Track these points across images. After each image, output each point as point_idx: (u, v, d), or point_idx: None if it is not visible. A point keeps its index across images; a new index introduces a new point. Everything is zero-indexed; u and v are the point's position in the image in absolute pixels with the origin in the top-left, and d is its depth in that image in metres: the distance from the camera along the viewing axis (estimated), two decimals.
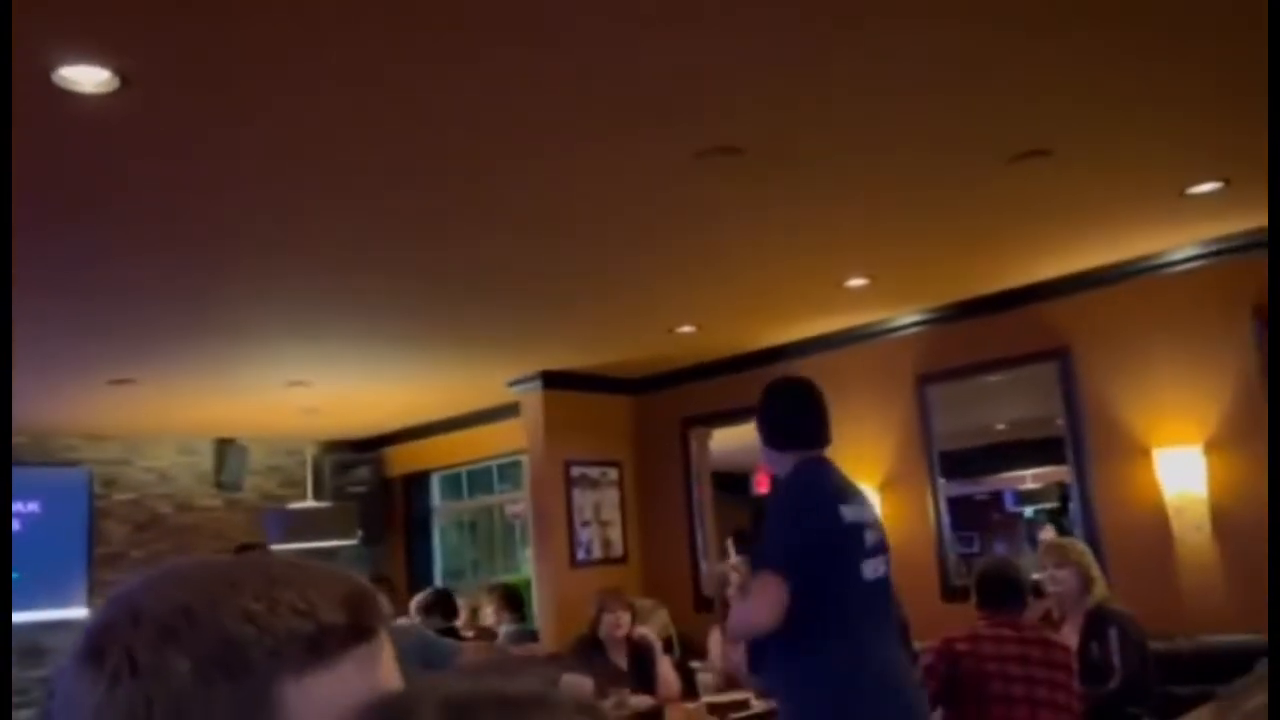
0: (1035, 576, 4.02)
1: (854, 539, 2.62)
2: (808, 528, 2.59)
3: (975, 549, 7.17)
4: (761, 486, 11.51)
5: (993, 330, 5.46)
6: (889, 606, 2.74)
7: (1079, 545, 4.16)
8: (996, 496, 6.78)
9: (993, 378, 5.61)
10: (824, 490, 2.68)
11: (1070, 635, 3.74)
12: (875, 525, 2.74)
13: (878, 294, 5.27)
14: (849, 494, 2.72)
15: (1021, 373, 5.46)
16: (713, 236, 4.15)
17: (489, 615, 6.36)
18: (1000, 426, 6.14)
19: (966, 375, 5.63)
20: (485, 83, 2.70)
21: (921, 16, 2.55)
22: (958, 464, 5.87)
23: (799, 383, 2.92)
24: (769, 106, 2.99)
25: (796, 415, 2.80)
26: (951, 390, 5.73)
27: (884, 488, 5.86)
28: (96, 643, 0.62)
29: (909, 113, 3.11)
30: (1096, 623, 3.82)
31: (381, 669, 0.65)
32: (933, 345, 5.75)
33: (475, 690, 0.56)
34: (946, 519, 5.72)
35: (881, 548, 2.72)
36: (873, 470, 5.92)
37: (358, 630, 0.64)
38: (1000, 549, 6.47)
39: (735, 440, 7.40)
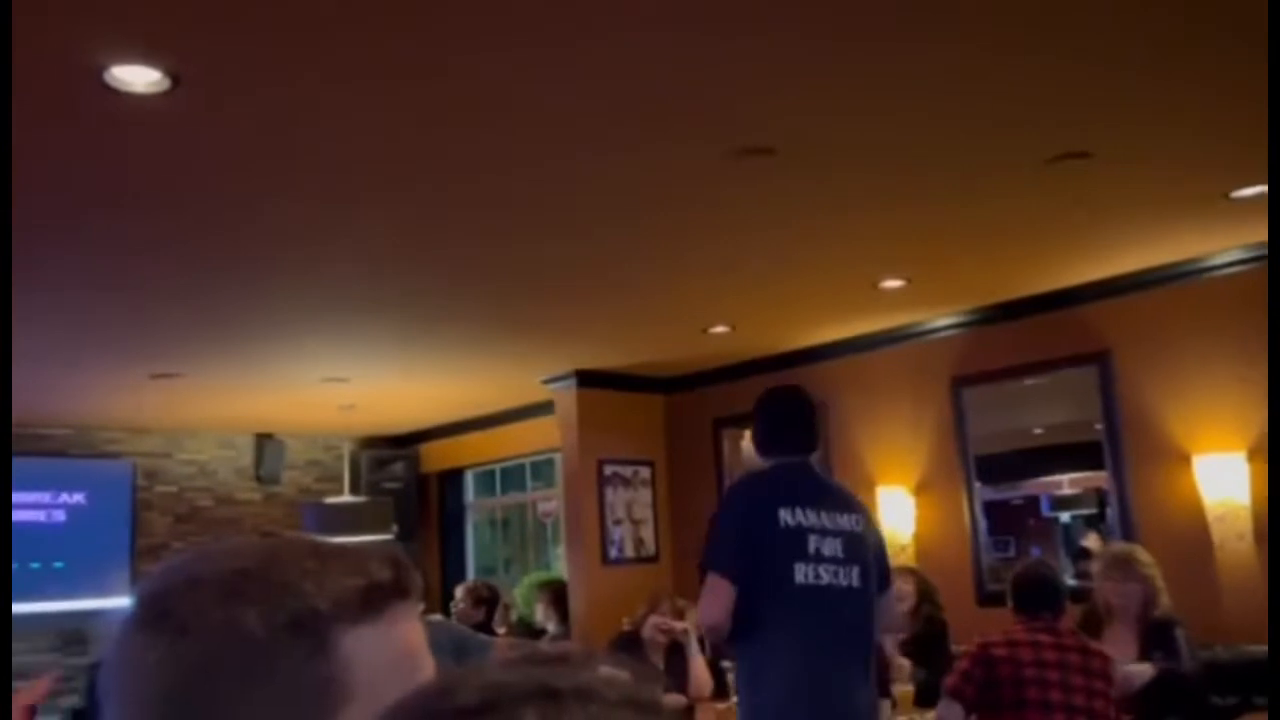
0: (1071, 581, 3.96)
1: (791, 542, 2.67)
2: (740, 530, 2.69)
3: (1011, 554, 7.11)
4: None
5: (1030, 333, 5.41)
6: (847, 616, 2.74)
7: (1144, 555, 3.98)
8: (1033, 501, 6.70)
9: (1030, 381, 5.56)
10: (764, 493, 2.76)
11: (1111, 645, 3.68)
12: (838, 533, 2.75)
13: (913, 296, 5.24)
14: (804, 499, 2.74)
15: (1059, 376, 5.40)
16: (747, 237, 4.16)
17: (539, 613, 6.40)
18: (1037, 431, 6.08)
19: (1003, 378, 5.58)
20: (521, 82, 2.73)
21: (957, 18, 2.54)
22: (993, 468, 5.82)
23: (784, 391, 3.03)
24: (803, 107, 2.99)
25: (777, 422, 2.93)
26: (987, 393, 5.68)
27: (918, 491, 5.83)
28: (156, 606, 0.66)
29: (946, 113, 3.10)
30: (1162, 631, 3.72)
31: (420, 630, 0.72)
32: (969, 348, 5.71)
33: (518, 677, 0.58)
34: (982, 524, 5.68)
35: (846, 558, 2.73)
36: (907, 474, 5.89)
37: (401, 588, 0.70)
38: (1036, 554, 6.41)
39: None
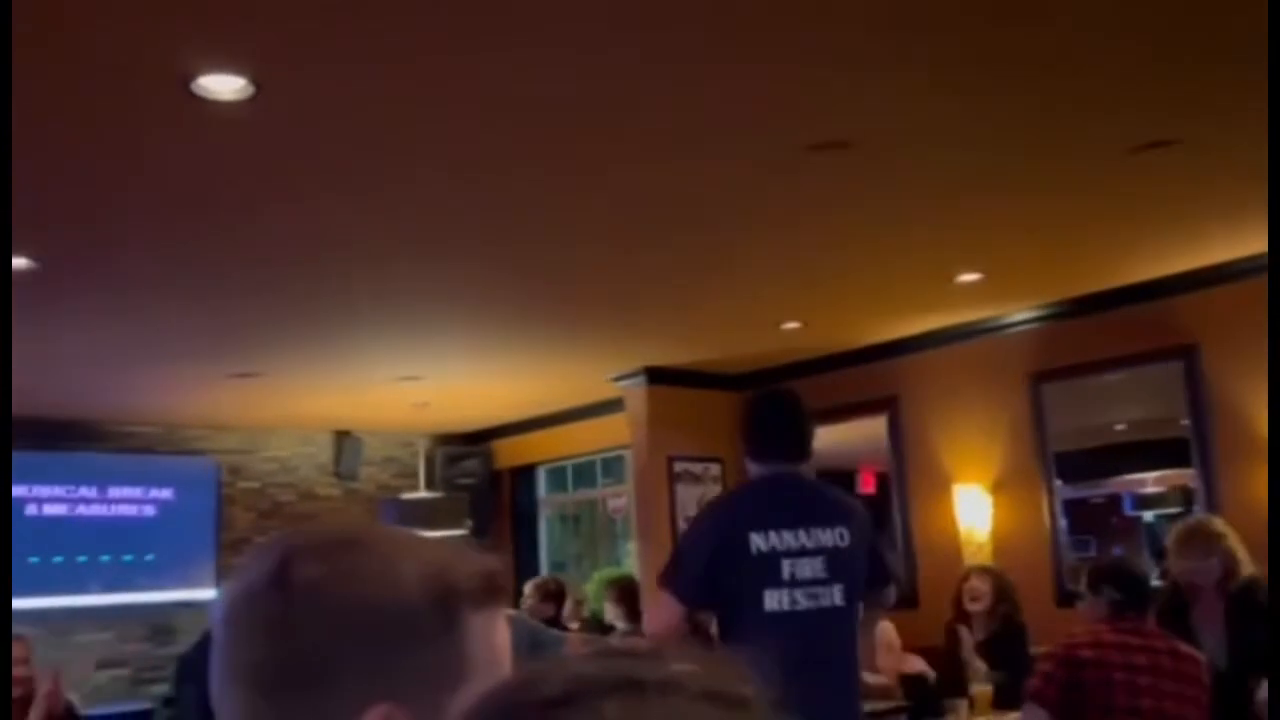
0: (1155, 583, 3.81)
1: (762, 570, 2.59)
2: (708, 555, 2.64)
3: (1091, 554, 6.93)
4: (867, 486, 11.34)
5: (1112, 327, 5.27)
6: (824, 639, 2.65)
7: (1217, 524, 3.74)
8: (1115, 500, 6.53)
9: (1111, 376, 5.41)
10: (735, 516, 2.70)
11: (1199, 623, 3.52)
12: (818, 552, 2.65)
13: (990, 290, 5.14)
14: (781, 520, 2.64)
15: (1143, 371, 5.26)
16: (820, 232, 4.12)
17: (608, 610, 6.44)
18: (1119, 427, 5.92)
19: (1083, 374, 5.45)
20: (590, 82, 2.75)
21: (1036, 3, 2.49)
22: (1073, 466, 5.69)
23: (776, 395, 2.94)
24: (877, 99, 2.95)
25: (768, 428, 2.83)
26: (1067, 389, 5.55)
27: (995, 489, 5.72)
28: (285, 555, 0.71)
29: (1025, 102, 3.03)
30: (1247, 598, 3.51)
31: (507, 628, 0.77)
32: (1047, 342, 5.58)
33: (601, 669, 0.58)
34: (1062, 523, 5.55)
35: (827, 577, 2.65)
36: (983, 471, 5.78)
37: (502, 588, 0.76)
38: (1118, 554, 6.24)
39: (839, 438, 7.31)
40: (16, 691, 3.15)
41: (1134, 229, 4.33)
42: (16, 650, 3.22)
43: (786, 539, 2.62)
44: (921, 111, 3.06)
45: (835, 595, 2.65)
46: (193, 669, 5.61)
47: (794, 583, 2.60)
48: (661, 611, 2.64)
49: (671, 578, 2.67)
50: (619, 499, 8.48)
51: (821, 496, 2.81)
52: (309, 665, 0.69)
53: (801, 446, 2.79)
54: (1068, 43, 2.69)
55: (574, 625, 6.63)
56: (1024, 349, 5.66)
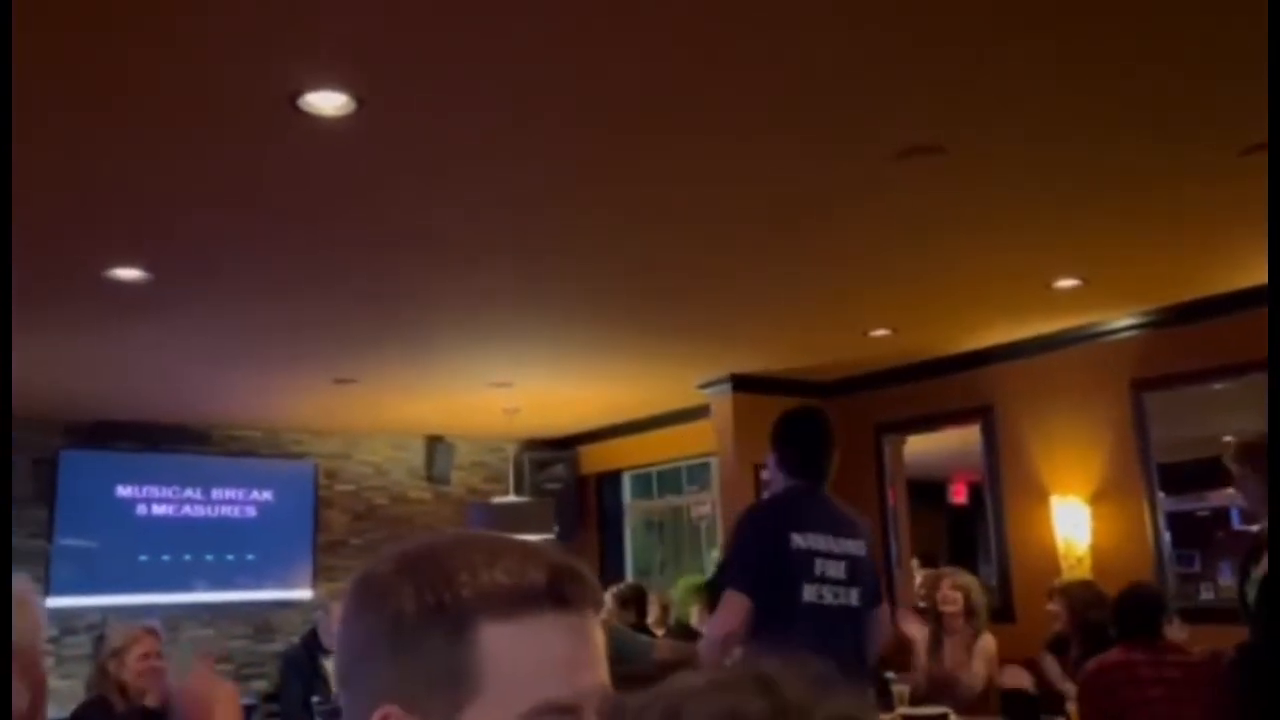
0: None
1: (800, 564, 2.85)
2: (756, 552, 2.88)
3: (1196, 568, 6.67)
4: (959, 495, 11.11)
5: (1219, 334, 5.06)
6: (845, 634, 2.90)
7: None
8: (1222, 513, 6.28)
9: (1218, 385, 5.21)
10: (779, 517, 2.94)
11: None
12: (842, 557, 2.92)
13: (1090, 295, 5.00)
14: (813, 523, 2.91)
15: (1252, 380, 5.04)
16: (913, 237, 4.07)
17: (695, 616, 6.44)
18: (1227, 438, 5.68)
19: (1188, 382, 5.25)
20: (682, 86, 2.76)
21: None
22: (1178, 477, 5.49)
23: (816, 418, 3.16)
24: (974, 102, 2.91)
25: (806, 448, 3.06)
26: (1171, 398, 5.36)
27: (1095, 501, 5.55)
28: (362, 581, 0.78)
29: (1127, 101, 2.95)
30: None
31: (586, 644, 0.73)
32: (1150, 350, 5.40)
33: (701, 706, 0.58)
34: (1165, 536, 5.36)
35: (848, 580, 2.91)
36: (1081, 482, 5.62)
37: (556, 597, 0.72)
38: (1225, 570, 5.99)
39: (931, 447, 7.20)
40: (152, 683, 3.30)
41: (1240, 232, 4.16)
42: (151, 642, 3.36)
43: (818, 540, 2.91)
44: (1017, 114, 3.00)
45: (853, 596, 2.94)
46: (296, 666, 5.79)
47: (823, 579, 2.89)
48: (728, 611, 2.79)
49: (732, 577, 2.88)
50: (703, 505, 8.47)
51: (842, 511, 3.08)
52: (351, 673, 0.75)
53: (830, 469, 3.08)
54: (1169, 39, 2.61)
55: (660, 631, 6.65)
56: (1125, 356, 5.49)
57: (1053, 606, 4.49)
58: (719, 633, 2.81)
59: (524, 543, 0.77)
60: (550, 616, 0.71)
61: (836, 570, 2.91)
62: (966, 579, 4.59)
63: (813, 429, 3.10)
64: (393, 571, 0.74)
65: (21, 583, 1.53)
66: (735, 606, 2.79)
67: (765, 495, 3.13)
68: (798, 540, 2.87)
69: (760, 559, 2.87)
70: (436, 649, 0.70)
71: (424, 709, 0.70)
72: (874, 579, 3.09)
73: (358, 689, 0.74)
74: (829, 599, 2.88)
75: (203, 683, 1.34)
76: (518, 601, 0.70)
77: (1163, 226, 4.06)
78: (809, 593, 2.85)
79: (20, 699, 1.44)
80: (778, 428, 3.11)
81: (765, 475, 3.20)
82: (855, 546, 2.98)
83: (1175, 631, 3.44)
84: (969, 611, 4.43)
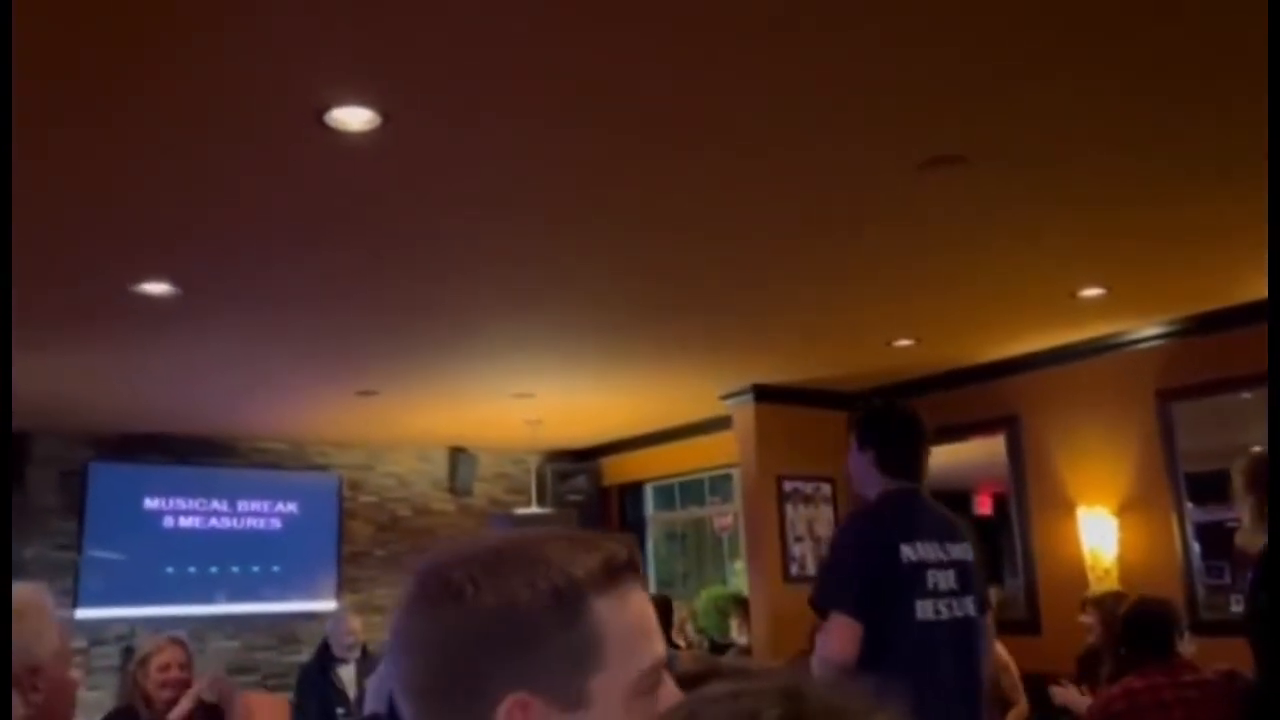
0: None
1: (911, 580, 2.64)
2: (868, 566, 2.64)
3: (1226, 580, 6.58)
4: (984, 506, 10.99)
5: (1247, 343, 5.00)
6: (963, 650, 2.70)
7: None
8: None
9: (1247, 394, 5.15)
10: (887, 529, 2.71)
11: None
12: (951, 564, 2.71)
13: (1114, 304, 4.96)
14: (922, 531, 2.71)
15: None
16: (936, 246, 4.05)
17: (733, 628, 6.43)
18: (1256, 448, 5.62)
19: (1216, 391, 5.20)
20: (706, 97, 2.77)
21: (1156, 3, 2.41)
22: (1207, 488, 5.42)
23: (905, 411, 2.94)
24: (995, 111, 2.90)
25: (900, 444, 2.83)
26: (1198, 408, 5.31)
27: (1122, 512, 5.50)
28: (436, 577, 0.78)
29: (1151, 106, 2.93)
30: None
31: (646, 598, 0.81)
32: (1176, 359, 5.35)
33: (718, 708, 0.59)
34: (1194, 548, 5.30)
35: (960, 589, 2.71)
36: (1109, 494, 5.57)
37: (634, 563, 0.80)
38: (1251, 580, 5.90)
39: (954, 458, 7.13)
40: (172, 693, 3.32)
41: (1266, 240, 4.12)
42: (173, 653, 3.39)
43: (928, 551, 2.69)
44: (1041, 122, 2.99)
45: (969, 606, 2.73)
46: (311, 681, 5.80)
47: (937, 593, 2.66)
48: (839, 636, 2.56)
49: (839, 598, 2.62)
50: (726, 517, 8.46)
51: (945, 514, 2.86)
52: (454, 671, 0.75)
53: (923, 465, 2.86)
54: (1192, 44, 2.59)
55: (681, 643, 6.63)
56: (1152, 366, 5.44)
57: (1086, 619, 4.43)
58: (836, 659, 2.58)
59: (577, 530, 0.84)
60: (634, 585, 0.79)
61: (948, 580, 2.70)
62: None
63: (912, 424, 2.87)
64: (482, 570, 0.76)
65: (28, 594, 1.55)
66: (846, 632, 2.56)
67: (868, 502, 2.84)
68: (907, 552, 2.66)
69: (866, 575, 2.63)
70: (559, 632, 0.75)
71: (556, 690, 0.74)
72: (983, 584, 2.88)
73: (463, 689, 0.75)
74: (944, 613, 2.67)
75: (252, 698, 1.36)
76: (613, 575, 0.77)
77: (1187, 236, 4.03)
78: (922, 610, 2.64)
79: (15, 711, 1.44)
80: (871, 424, 2.88)
81: (850, 470, 2.92)
82: (962, 551, 2.77)
83: (1186, 646, 3.31)
84: None
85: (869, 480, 2.83)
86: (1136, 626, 3.26)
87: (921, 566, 2.66)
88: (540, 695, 0.74)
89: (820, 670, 2.69)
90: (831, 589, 2.69)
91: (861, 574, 2.64)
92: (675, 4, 2.31)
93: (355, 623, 5.83)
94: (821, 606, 2.65)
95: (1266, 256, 4.34)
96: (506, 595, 0.75)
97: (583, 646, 0.75)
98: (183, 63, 2.47)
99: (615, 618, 0.76)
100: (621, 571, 0.78)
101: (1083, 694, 3.99)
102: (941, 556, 2.70)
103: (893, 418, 2.89)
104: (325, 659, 5.69)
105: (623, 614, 0.77)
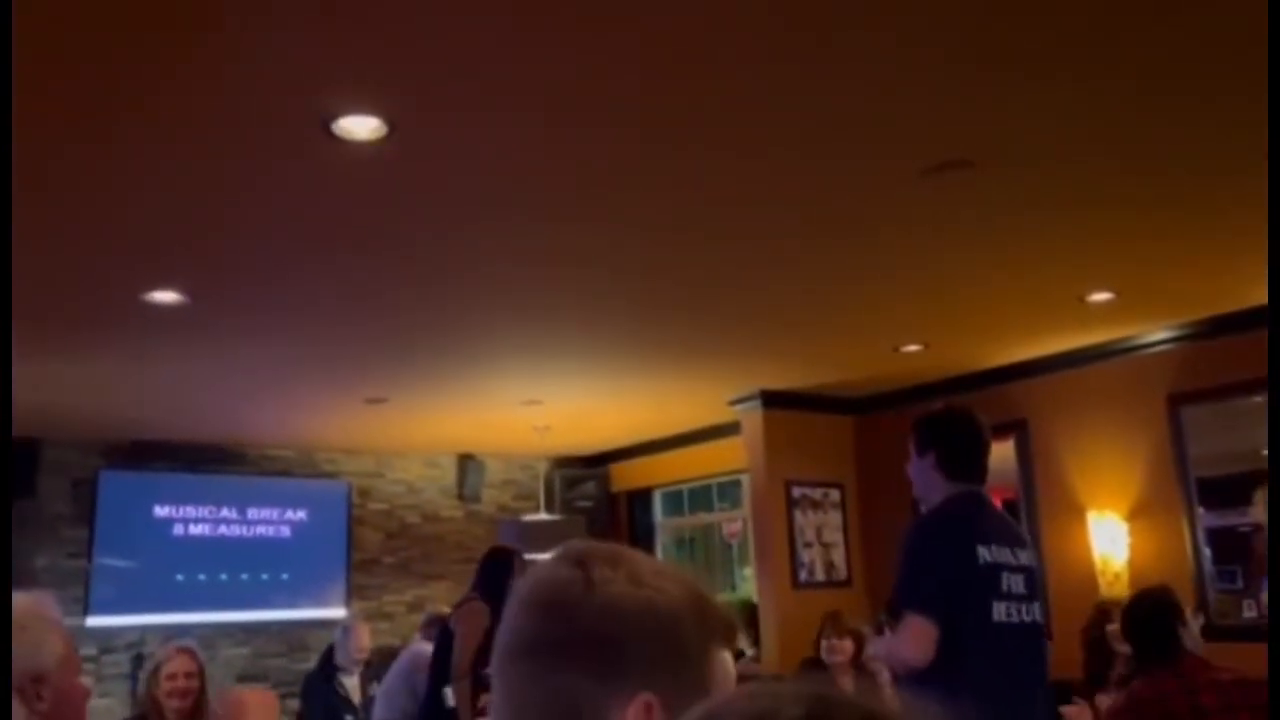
0: None
1: (987, 581, 2.62)
2: (944, 566, 2.61)
3: (1238, 585, 6.54)
4: None
5: (1257, 347, 4.97)
6: (1032, 654, 2.71)
7: None
8: (1263, 528, 6.16)
9: (1258, 398, 5.13)
10: (962, 530, 2.69)
11: None
12: (1021, 570, 2.70)
13: (1123, 309, 4.95)
14: (994, 535, 2.69)
15: None
16: (943, 251, 4.05)
17: (739, 636, 6.41)
18: (1266, 452, 5.59)
19: (1226, 396, 5.18)
20: (712, 101, 2.77)
21: (1164, 9, 2.41)
22: (1217, 492, 5.40)
23: (969, 413, 2.92)
24: (1002, 115, 2.90)
25: (966, 445, 2.80)
26: (1209, 412, 5.29)
27: (1132, 517, 5.48)
28: (584, 556, 0.85)
29: (1158, 110, 2.93)
30: None
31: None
32: (1187, 363, 5.33)
33: (737, 705, 0.60)
34: (1205, 553, 5.27)
35: (1028, 594, 2.69)
36: (1119, 499, 5.55)
37: (733, 634, 0.91)
38: (1266, 586, 5.87)
39: None
40: (180, 702, 3.33)
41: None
42: (182, 662, 3.39)
43: (1001, 553, 2.67)
44: (1047, 126, 2.99)
45: (1036, 612, 2.71)
46: (315, 690, 5.81)
47: (1009, 595, 2.64)
48: (915, 636, 2.52)
49: (914, 599, 2.59)
50: (735, 523, 8.44)
51: (1009, 520, 2.88)
52: (600, 647, 0.80)
53: (987, 468, 2.84)
54: (1202, 54, 2.59)
55: None
56: (1161, 370, 5.42)
57: (1115, 627, 4.37)
58: (912, 660, 2.54)
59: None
60: (731, 648, 0.88)
61: (1019, 585, 2.67)
62: None
63: (972, 424, 2.83)
64: (649, 574, 0.84)
65: (28, 604, 1.55)
66: (922, 633, 2.51)
67: (935, 504, 2.80)
68: (984, 554, 2.62)
69: (945, 575, 2.59)
70: (699, 661, 0.82)
71: (673, 707, 0.78)
72: (1043, 592, 2.91)
73: (602, 671, 0.80)
74: (1016, 616, 2.64)
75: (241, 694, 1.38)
76: (727, 635, 0.87)
77: (1195, 239, 4.02)
78: (999, 611, 2.60)
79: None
80: (931, 427, 2.84)
81: (912, 476, 2.89)
82: (1029, 557, 2.77)
83: (1191, 637, 3.14)
84: None
85: (932, 485, 2.79)
86: (1137, 621, 3.13)
87: (997, 568, 2.63)
88: (664, 707, 0.79)
89: (895, 670, 2.68)
90: (906, 589, 2.65)
91: (938, 574, 2.60)
92: (683, 10, 2.31)
93: (366, 638, 5.86)
94: (898, 608, 2.62)
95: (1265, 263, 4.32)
96: (660, 595, 0.82)
97: (701, 677, 0.82)
98: (190, 73, 2.49)
99: (717, 665, 0.85)
100: (731, 636, 0.89)
101: (1094, 705, 3.95)
102: (1012, 560, 2.68)
103: (952, 420, 2.86)
104: (329, 667, 5.70)
105: (726, 672, 0.86)
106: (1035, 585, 2.73)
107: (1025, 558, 2.73)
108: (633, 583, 0.82)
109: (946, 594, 2.57)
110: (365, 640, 5.85)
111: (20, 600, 1.54)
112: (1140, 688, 3.02)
